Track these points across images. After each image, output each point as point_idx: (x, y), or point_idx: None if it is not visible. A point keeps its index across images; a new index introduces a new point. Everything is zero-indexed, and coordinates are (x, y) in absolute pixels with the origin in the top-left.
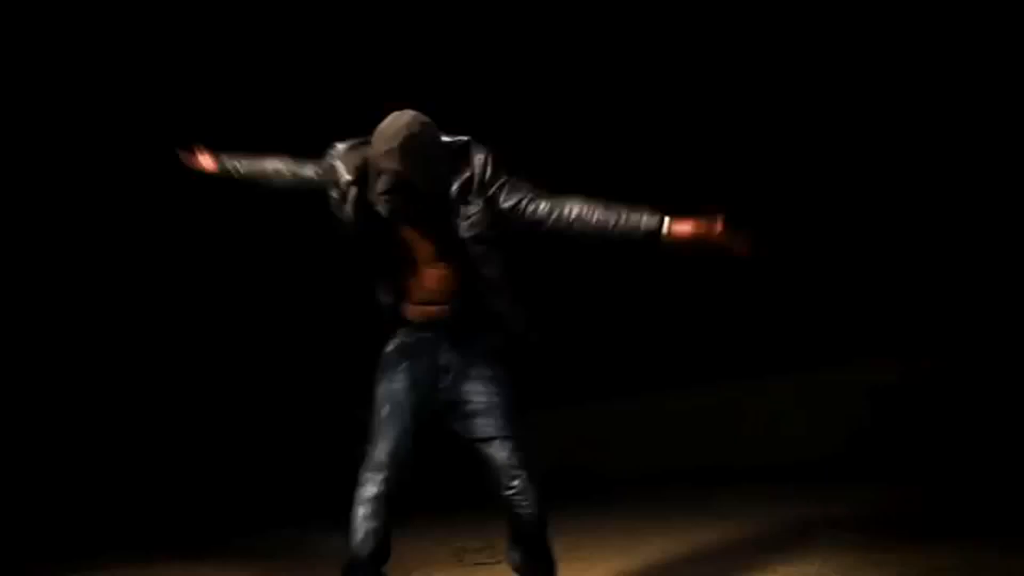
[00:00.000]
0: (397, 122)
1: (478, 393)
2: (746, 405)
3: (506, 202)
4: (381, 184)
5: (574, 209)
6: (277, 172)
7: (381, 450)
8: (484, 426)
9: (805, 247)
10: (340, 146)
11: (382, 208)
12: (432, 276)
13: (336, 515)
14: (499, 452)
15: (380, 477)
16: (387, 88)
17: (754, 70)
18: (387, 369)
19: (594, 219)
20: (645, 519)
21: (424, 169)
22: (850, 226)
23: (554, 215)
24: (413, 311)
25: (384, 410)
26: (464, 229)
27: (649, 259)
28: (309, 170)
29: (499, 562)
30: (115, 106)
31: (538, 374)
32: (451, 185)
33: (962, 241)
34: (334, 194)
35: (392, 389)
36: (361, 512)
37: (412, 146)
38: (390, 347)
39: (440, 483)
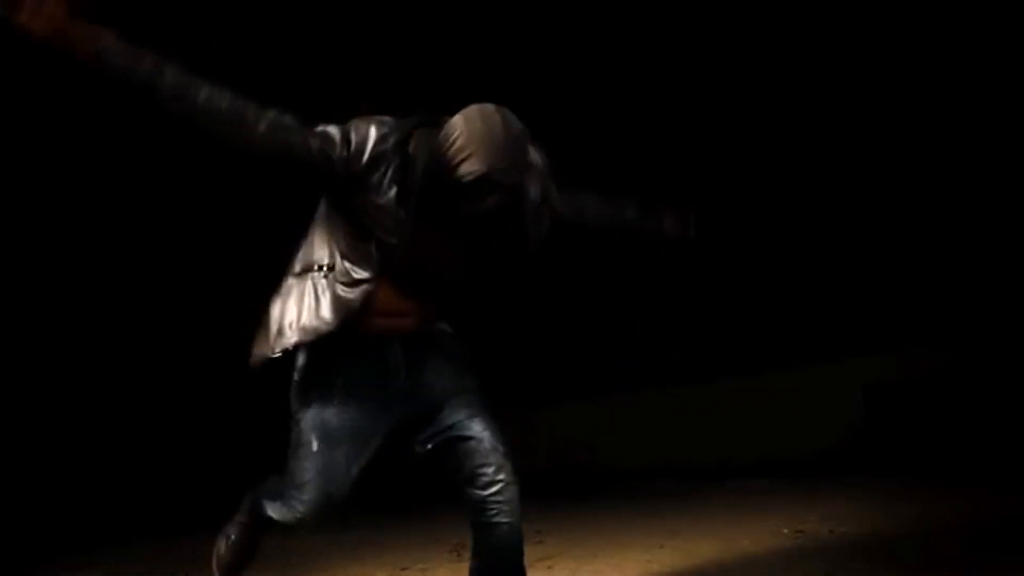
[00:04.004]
0: (512, 128)
1: (437, 380)
2: (742, 401)
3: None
4: (491, 201)
5: (590, 202)
6: (243, 117)
7: (300, 497)
8: (449, 410)
9: (801, 243)
10: (384, 124)
11: (471, 223)
12: (418, 288)
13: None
14: (472, 435)
15: (291, 523)
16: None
17: (752, 63)
18: (318, 386)
19: (611, 213)
20: (640, 515)
21: (543, 188)
22: (847, 222)
23: (574, 212)
24: (377, 322)
25: (313, 445)
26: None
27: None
28: (301, 139)
29: None
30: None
31: (536, 371)
32: None
33: (960, 237)
34: (383, 174)
35: (324, 418)
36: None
37: (535, 161)
38: (317, 354)
39: (438, 480)
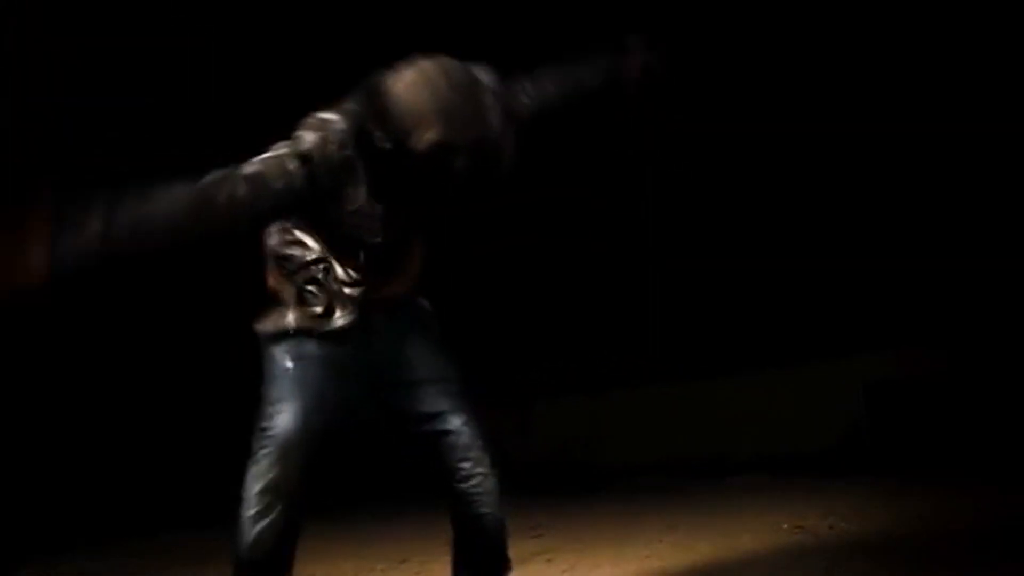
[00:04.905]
0: (456, 80)
1: (419, 358)
2: (742, 397)
3: None
4: (459, 163)
5: (549, 87)
6: (199, 208)
7: (273, 424)
8: (431, 398)
9: (803, 239)
10: (337, 128)
11: (445, 188)
12: (394, 256)
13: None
14: (452, 429)
15: (272, 477)
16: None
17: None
18: (292, 347)
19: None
20: (639, 510)
21: (502, 112)
22: (849, 218)
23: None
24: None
25: (287, 366)
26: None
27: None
28: (263, 191)
29: None
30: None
31: (534, 366)
32: None
33: (963, 235)
34: (351, 182)
35: (300, 350)
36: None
37: (488, 90)
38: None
39: (419, 470)
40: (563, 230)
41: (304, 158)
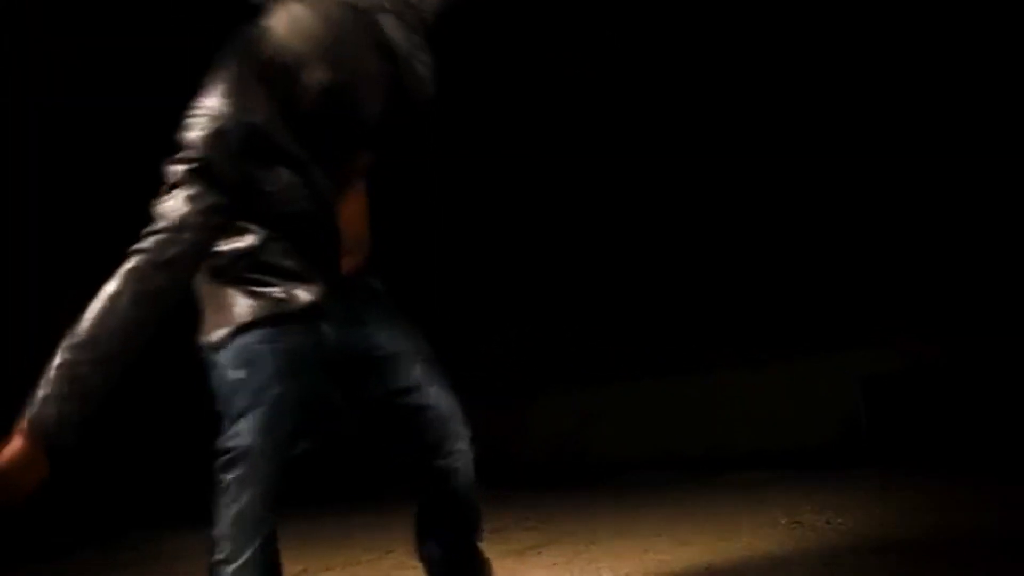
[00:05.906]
0: (331, 17)
1: (381, 334)
2: (739, 392)
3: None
4: (369, 101)
5: None
6: (154, 269)
7: (236, 433)
8: (401, 371)
9: (799, 233)
10: (218, 112)
11: (364, 134)
12: (341, 224)
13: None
14: (428, 404)
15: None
16: None
17: (747, 56)
18: (239, 353)
19: None
20: (637, 505)
21: (408, 25)
22: (845, 212)
23: None
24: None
25: (240, 373)
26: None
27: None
28: (193, 222)
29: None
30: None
31: (532, 360)
32: None
33: (959, 226)
34: (260, 163)
35: (251, 351)
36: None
37: (403, 20)
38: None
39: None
40: (561, 227)
41: (203, 170)
